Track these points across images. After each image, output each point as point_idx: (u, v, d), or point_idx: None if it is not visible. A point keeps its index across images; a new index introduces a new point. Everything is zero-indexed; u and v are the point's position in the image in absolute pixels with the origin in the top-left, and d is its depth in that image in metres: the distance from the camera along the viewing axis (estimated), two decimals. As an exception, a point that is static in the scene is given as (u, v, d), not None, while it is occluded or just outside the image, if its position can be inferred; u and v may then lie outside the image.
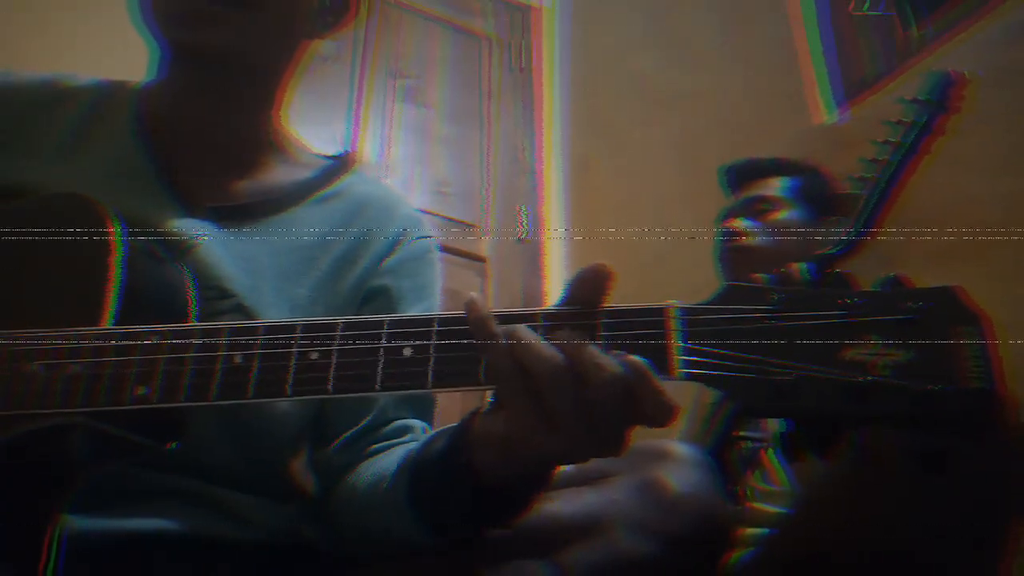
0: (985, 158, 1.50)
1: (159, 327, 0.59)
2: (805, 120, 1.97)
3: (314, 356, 0.55)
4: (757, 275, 0.53)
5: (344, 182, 0.93)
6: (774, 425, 1.18)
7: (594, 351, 0.50)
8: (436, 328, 0.55)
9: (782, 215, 1.46)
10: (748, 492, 1.18)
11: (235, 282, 0.78)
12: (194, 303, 0.68)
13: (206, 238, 0.79)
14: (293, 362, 0.55)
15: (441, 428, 0.71)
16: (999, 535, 0.76)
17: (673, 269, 1.97)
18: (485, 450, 0.60)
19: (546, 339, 0.52)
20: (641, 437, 0.57)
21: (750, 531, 1.04)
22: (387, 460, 0.78)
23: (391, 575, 0.73)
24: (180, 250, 0.77)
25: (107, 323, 0.61)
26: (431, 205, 2.64)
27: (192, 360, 0.57)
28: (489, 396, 0.60)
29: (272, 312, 0.79)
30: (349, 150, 1.00)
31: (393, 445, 0.82)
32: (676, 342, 0.51)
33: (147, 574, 0.70)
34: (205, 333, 0.58)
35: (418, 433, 0.84)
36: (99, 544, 0.68)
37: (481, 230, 2.74)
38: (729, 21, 2.34)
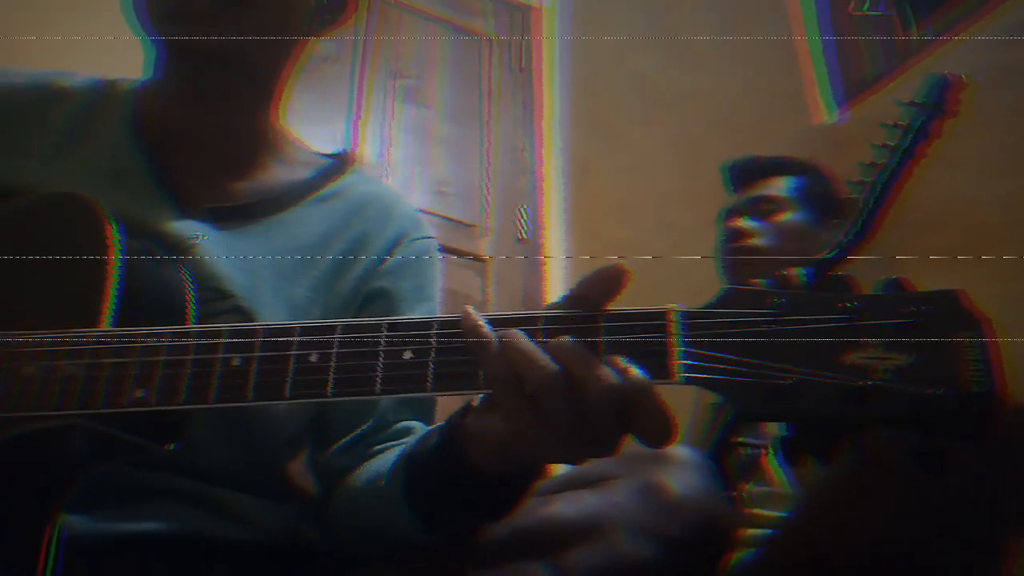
0: (984, 159, 1.50)
1: (158, 329, 0.58)
2: (805, 120, 1.97)
3: (313, 359, 0.55)
4: (755, 280, 0.52)
5: (343, 182, 0.93)
6: (774, 429, 1.18)
7: (593, 360, 0.50)
8: (436, 331, 0.54)
9: (787, 216, 1.44)
10: (746, 497, 1.18)
11: (233, 283, 0.78)
12: (192, 304, 0.67)
13: (204, 238, 0.79)
14: (292, 364, 0.55)
15: (436, 425, 0.71)
16: (999, 537, 0.76)
17: (673, 269, 1.97)
18: (479, 445, 0.60)
19: (546, 343, 0.52)
20: (641, 440, 0.57)
21: (751, 532, 1.04)
22: (384, 459, 0.78)
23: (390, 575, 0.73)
24: (178, 251, 0.76)
25: (105, 324, 0.61)
26: (431, 205, 2.64)
27: (191, 362, 0.56)
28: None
29: (270, 313, 0.79)
30: (348, 149, 1.00)
31: (393, 447, 0.82)
32: (677, 346, 0.51)
33: (146, 574, 0.70)
34: (204, 335, 0.57)
35: (419, 435, 0.84)
36: (98, 544, 0.68)
37: (481, 230, 2.74)
38: (729, 21, 2.34)
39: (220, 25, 0.77)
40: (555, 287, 2.72)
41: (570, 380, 0.50)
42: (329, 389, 0.54)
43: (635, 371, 0.50)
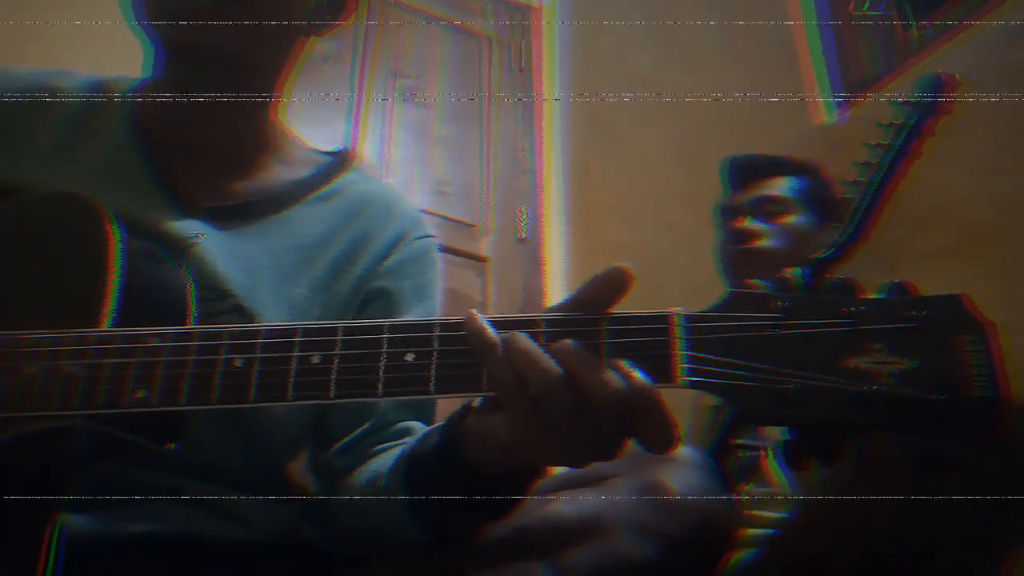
0: (983, 158, 1.51)
1: (159, 329, 0.58)
2: (805, 120, 1.97)
3: (315, 360, 0.55)
4: (754, 281, 0.52)
5: (343, 180, 0.93)
6: (773, 432, 1.18)
7: (597, 364, 0.50)
8: (438, 333, 0.54)
9: (794, 218, 1.43)
10: (745, 498, 1.18)
11: (234, 283, 0.78)
12: (193, 304, 0.67)
13: (204, 238, 0.79)
14: (294, 366, 0.55)
15: (436, 425, 0.71)
16: (1001, 539, 0.76)
17: (674, 269, 1.97)
18: (479, 445, 0.60)
19: (549, 346, 0.52)
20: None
21: (751, 532, 1.04)
22: (384, 459, 0.78)
23: (391, 576, 0.73)
24: (178, 250, 0.76)
25: (106, 323, 0.61)
26: (431, 205, 2.64)
27: (192, 363, 0.56)
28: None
29: (271, 312, 0.79)
30: (348, 147, 1.00)
31: (394, 447, 0.82)
32: (680, 350, 0.51)
33: (146, 574, 0.70)
34: (206, 336, 0.57)
35: (419, 435, 0.84)
36: (99, 544, 0.68)
37: (481, 230, 2.74)
38: (729, 21, 2.34)
39: (219, 25, 0.77)
40: (555, 287, 2.72)
41: (574, 383, 0.50)
42: (331, 391, 0.54)
43: (639, 375, 0.50)
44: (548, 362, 0.50)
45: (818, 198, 1.45)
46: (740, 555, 0.96)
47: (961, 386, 0.46)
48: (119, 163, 0.83)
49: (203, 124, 0.86)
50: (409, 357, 0.54)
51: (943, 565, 0.77)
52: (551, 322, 0.54)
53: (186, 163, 0.85)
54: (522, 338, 0.52)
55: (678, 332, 0.51)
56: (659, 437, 0.50)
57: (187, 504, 0.74)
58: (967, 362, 0.46)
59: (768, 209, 1.44)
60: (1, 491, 0.59)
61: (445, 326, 0.55)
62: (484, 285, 2.65)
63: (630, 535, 0.65)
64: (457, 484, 0.64)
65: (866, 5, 1.90)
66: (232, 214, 0.83)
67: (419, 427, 0.85)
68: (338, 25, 0.93)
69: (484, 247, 2.72)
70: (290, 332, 0.56)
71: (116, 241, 0.65)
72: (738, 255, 1.43)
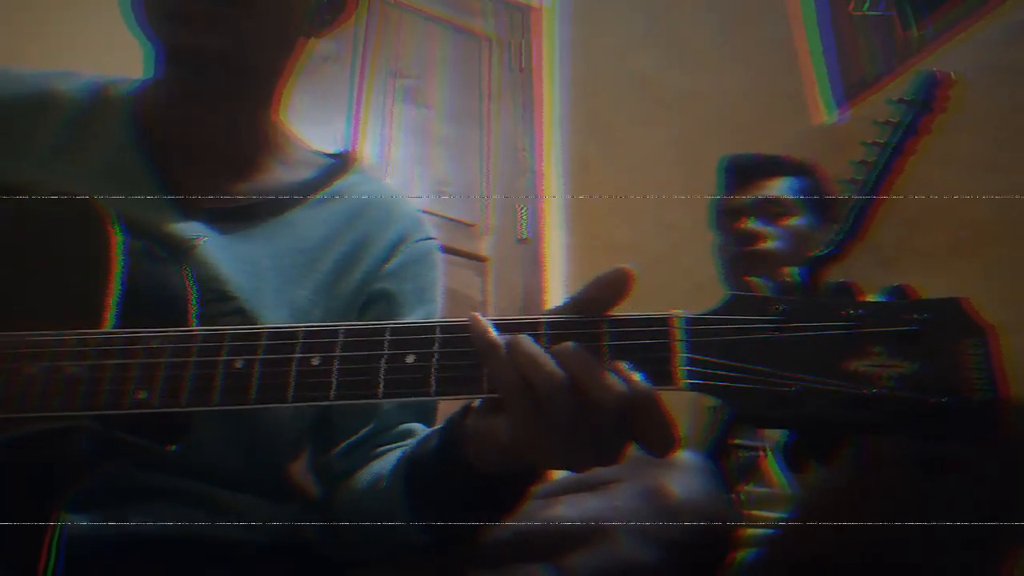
0: (981, 157, 1.51)
1: (161, 331, 0.59)
2: (805, 120, 1.97)
3: (316, 362, 0.55)
4: (755, 281, 0.52)
5: (344, 182, 0.93)
6: (772, 433, 1.18)
7: (599, 367, 0.50)
8: (439, 335, 0.54)
9: (797, 220, 1.42)
10: (745, 499, 1.18)
11: (235, 285, 0.78)
12: (195, 306, 0.67)
13: (206, 240, 0.79)
14: (295, 367, 0.55)
15: (436, 427, 0.71)
16: (1000, 540, 0.76)
17: (674, 269, 1.97)
18: (479, 446, 0.60)
19: (550, 348, 0.52)
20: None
21: (752, 533, 1.04)
22: (385, 461, 0.78)
23: (391, 577, 0.73)
24: (179, 252, 0.76)
25: (108, 325, 0.61)
26: (431, 205, 2.64)
27: (194, 364, 0.56)
28: None
29: (272, 315, 0.79)
30: (349, 149, 1.00)
31: (395, 449, 0.82)
32: (680, 352, 0.51)
33: (146, 575, 0.70)
34: (207, 338, 0.57)
35: (419, 437, 0.84)
36: (99, 544, 0.68)
37: (481, 230, 2.74)
38: (729, 21, 2.35)
39: (219, 26, 0.77)
40: (555, 287, 2.72)
41: (576, 386, 0.50)
42: (332, 393, 0.54)
43: (640, 379, 0.50)
44: (551, 365, 0.51)
45: (818, 199, 1.44)
46: (741, 555, 0.96)
47: (961, 389, 0.46)
48: (120, 164, 0.83)
49: (204, 125, 0.86)
50: (410, 359, 0.54)
51: (943, 565, 0.77)
52: (552, 324, 0.54)
53: (187, 164, 0.84)
54: (526, 340, 0.52)
55: (679, 334, 0.51)
56: (659, 440, 0.50)
57: (188, 504, 0.74)
58: (967, 366, 0.46)
59: (771, 211, 1.43)
60: (2, 491, 0.59)
61: (446, 328, 0.55)
62: (484, 285, 2.65)
63: (631, 539, 0.65)
64: (457, 485, 0.64)
65: (866, 5, 1.90)
66: (233, 216, 0.83)
67: (421, 429, 0.85)
68: (339, 26, 0.93)
69: (484, 247, 2.72)
70: (291, 334, 0.56)
71: (118, 242, 0.65)
72: (743, 257, 1.42)
